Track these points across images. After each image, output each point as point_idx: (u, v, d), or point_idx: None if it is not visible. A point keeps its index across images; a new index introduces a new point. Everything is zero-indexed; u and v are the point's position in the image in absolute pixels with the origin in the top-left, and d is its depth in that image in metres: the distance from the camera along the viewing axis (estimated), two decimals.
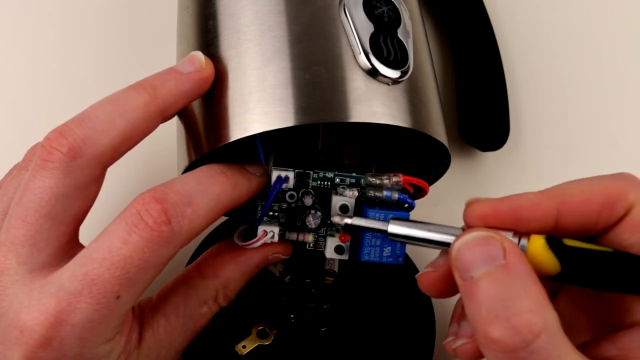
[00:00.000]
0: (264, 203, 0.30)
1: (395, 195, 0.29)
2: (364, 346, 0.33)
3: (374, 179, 0.29)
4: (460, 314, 0.25)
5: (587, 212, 0.23)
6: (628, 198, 0.23)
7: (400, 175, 0.29)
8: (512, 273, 0.21)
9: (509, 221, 0.23)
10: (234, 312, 0.31)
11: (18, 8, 0.45)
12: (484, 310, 0.21)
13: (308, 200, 0.30)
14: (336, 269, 0.33)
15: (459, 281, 0.22)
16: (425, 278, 0.25)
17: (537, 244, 0.22)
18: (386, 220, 0.26)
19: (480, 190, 0.43)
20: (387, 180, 0.29)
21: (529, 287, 0.21)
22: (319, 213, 0.30)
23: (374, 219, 0.28)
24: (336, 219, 0.28)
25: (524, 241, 0.23)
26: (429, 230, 0.25)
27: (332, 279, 0.33)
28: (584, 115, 0.45)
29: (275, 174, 0.29)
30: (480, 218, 0.24)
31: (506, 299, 0.20)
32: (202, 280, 0.29)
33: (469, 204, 0.24)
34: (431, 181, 0.33)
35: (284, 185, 0.30)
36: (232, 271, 0.30)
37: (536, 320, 0.20)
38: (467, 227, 0.24)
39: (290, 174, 0.30)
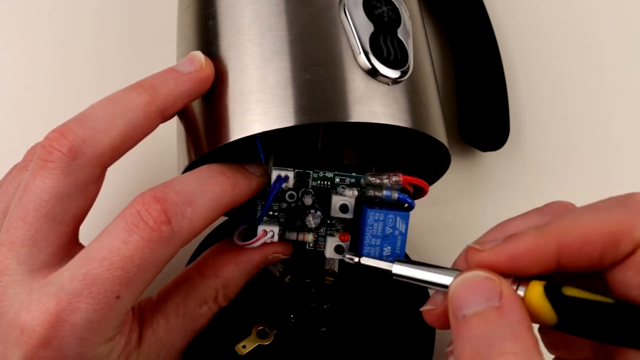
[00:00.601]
0: (263, 203, 0.30)
1: (395, 195, 0.29)
2: (364, 346, 0.33)
3: (373, 179, 0.29)
4: None
5: (589, 253, 0.22)
6: (633, 236, 0.21)
7: (400, 174, 0.29)
8: (505, 316, 0.21)
9: (508, 269, 0.22)
10: (234, 312, 0.31)
11: (18, 8, 0.45)
12: (468, 347, 0.20)
13: (308, 200, 0.30)
14: (336, 269, 0.33)
15: (451, 320, 0.22)
16: (428, 314, 0.25)
17: (534, 293, 0.22)
18: (392, 262, 0.27)
19: (480, 190, 0.43)
20: (387, 180, 0.29)
21: (519, 332, 0.20)
22: (318, 213, 0.30)
23: (381, 259, 0.28)
24: (346, 259, 0.29)
25: (522, 288, 0.22)
26: (430, 272, 0.25)
27: (332, 279, 0.33)
28: (584, 115, 0.45)
29: (275, 174, 0.29)
30: (479, 267, 0.23)
31: (492, 338, 0.20)
32: (202, 280, 0.29)
33: (468, 251, 0.24)
34: (431, 181, 0.33)
35: (283, 185, 0.30)
36: (232, 271, 0.30)
37: None
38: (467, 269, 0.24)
39: (290, 174, 0.30)
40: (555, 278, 0.23)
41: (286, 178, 0.29)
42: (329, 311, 0.33)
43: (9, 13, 0.45)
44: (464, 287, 0.22)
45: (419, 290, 0.34)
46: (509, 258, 0.22)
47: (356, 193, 0.30)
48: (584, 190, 0.43)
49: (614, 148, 0.44)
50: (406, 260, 0.26)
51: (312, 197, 0.30)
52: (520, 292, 0.22)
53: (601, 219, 0.22)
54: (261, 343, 0.32)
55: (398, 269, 0.26)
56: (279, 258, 0.31)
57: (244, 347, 0.32)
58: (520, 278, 0.22)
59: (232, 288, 0.30)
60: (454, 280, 0.23)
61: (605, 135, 0.45)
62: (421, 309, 0.25)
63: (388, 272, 0.26)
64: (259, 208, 0.30)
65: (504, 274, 0.22)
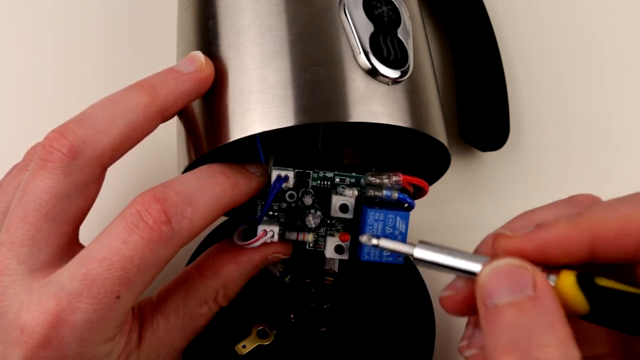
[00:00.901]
0: (263, 203, 0.30)
1: (395, 195, 0.29)
2: (364, 346, 0.33)
3: (373, 178, 0.29)
4: (476, 319, 0.25)
5: (625, 244, 0.21)
6: None
7: (400, 174, 0.29)
8: (540, 306, 0.20)
9: (539, 258, 0.22)
10: (234, 312, 0.31)
11: (18, 8, 0.45)
12: (503, 339, 0.20)
13: (308, 200, 0.30)
14: (336, 269, 0.33)
15: (480, 308, 0.21)
16: (447, 300, 0.24)
17: (567, 282, 0.21)
18: (413, 244, 0.25)
19: (480, 190, 0.43)
20: (387, 180, 0.29)
21: (555, 322, 0.20)
22: (318, 212, 0.30)
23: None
24: (364, 239, 0.28)
25: (553, 276, 0.22)
26: (456, 257, 0.23)
27: (332, 279, 0.33)
28: (584, 115, 0.45)
29: (275, 174, 0.29)
30: (508, 254, 0.22)
31: (530, 330, 0.20)
32: (202, 280, 0.29)
33: (497, 237, 0.23)
34: (431, 181, 0.33)
35: (283, 185, 0.30)
36: (232, 271, 0.30)
37: (557, 357, 0.19)
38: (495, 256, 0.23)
39: (290, 174, 0.30)
40: (581, 270, 0.22)
41: (286, 178, 0.29)
42: (329, 311, 0.33)
43: (9, 13, 0.45)
44: (496, 274, 0.21)
45: (419, 290, 0.34)
46: (540, 246, 0.22)
47: (356, 193, 0.30)
48: (584, 190, 0.43)
49: (614, 148, 0.44)
50: (429, 242, 0.24)
51: (312, 197, 0.30)
52: (551, 282, 0.21)
53: (638, 211, 0.21)
54: (261, 343, 0.32)
55: (420, 252, 0.24)
56: (279, 258, 0.31)
57: (244, 347, 0.32)
58: (550, 267, 0.22)
59: (232, 288, 0.30)
60: (483, 267, 0.22)
61: (605, 135, 0.45)
62: (440, 295, 0.24)
63: (409, 256, 0.25)
64: (259, 208, 0.30)
65: (533, 262, 0.22)
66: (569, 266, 0.22)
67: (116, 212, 0.25)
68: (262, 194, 0.30)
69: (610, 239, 0.21)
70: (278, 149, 0.31)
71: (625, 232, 0.21)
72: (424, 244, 0.24)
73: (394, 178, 0.29)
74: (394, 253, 0.27)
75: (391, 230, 0.29)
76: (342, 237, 0.30)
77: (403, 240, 0.29)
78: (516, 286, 0.21)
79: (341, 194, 0.30)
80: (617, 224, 0.21)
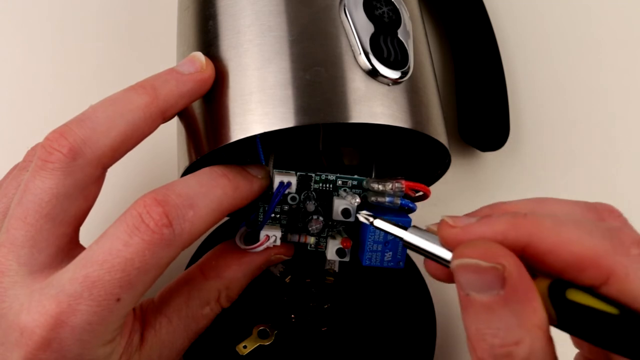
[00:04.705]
0: (265, 206, 0.30)
1: (398, 201, 0.29)
2: (365, 346, 0.33)
3: (375, 185, 0.29)
4: None
5: (550, 262, 0.21)
6: (602, 269, 0.20)
7: (403, 181, 0.29)
8: (509, 306, 0.20)
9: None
10: (235, 312, 0.31)
11: (18, 8, 0.45)
12: (473, 327, 0.20)
13: (310, 207, 0.30)
14: (337, 269, 0.33)
15: (458, 290, 0.21)
16: (431, 265, 0.24)
17: (539, 290, 0.21)
18: (406, 228, 0.25)
19: (480, 190, 0.43)
20: (390, 187, 0.29)
21: (524, 320, 0.20)
22: (321, 218, 0.30)
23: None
24: (361, 218, 0.27)
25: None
26: (435, 244, 0.24)
27: (333, 279, 0.33)
28: (583, 116, 0.45)
29: (277, 179, 0.29)
30: (446, 242, 0.23)
31: (498, 327, 0.20)
32: (205, 281, 0.29)
33: (441, 223, 0.23)
34: (431, 181, 0.33)
35: (286, 191, 0.29)
36: (235, 272, 0.30)
37: (524, 353, 0.19)
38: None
39: (293, 180, 0.29)
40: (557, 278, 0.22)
41: (289, 184, 0.29)
42: (330, 311, 0.33)
43: (9, 13, 0.45)
44: (464, 269, 0.21)
45: (420, 290, 0.34)
46: (474, 240, 0.22)
47: (358, 200, 0.29)
48: (584, 190, 0.43)
49: (614, 148, 0.44)
50: (420, 229, 0.25)
51: (314, 203, 0.30)
52: None
53: (579, 239, 0.21)
54: (262, 343, 0.32)
55: (409, 237, 0.24)
56: (281, 259, 0.31)
57: (244, 347, 0.32)
58: (532, 272, 0.21)
59: (234, 289, 0.30)
60: (453, 257, 0.22)
61: (605, 135, 0.45)
62: (425, 259, 0.24)
63: (399, 239, 0.25)
64: (261, 210, 0.30)
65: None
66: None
67: (116, 213, 0.25)
68: (264, 196, 0.30)
69: (540, 252, 0.21)
70: (278, 150, 0.31)
71: (556, 253, 0.21)
72: (415, 228, 0.25)
73: (397, 185, 0.29)
74: (386, 234, 0.27)
75: (392, 237, 0.29)
76: (344, 244, 0.30)
77: (404, 249, 0.29)
78: (484, 284, 0.20)
79: (343, 199, 0.30)
80: (554, 242, 0.21)
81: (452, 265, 0.22)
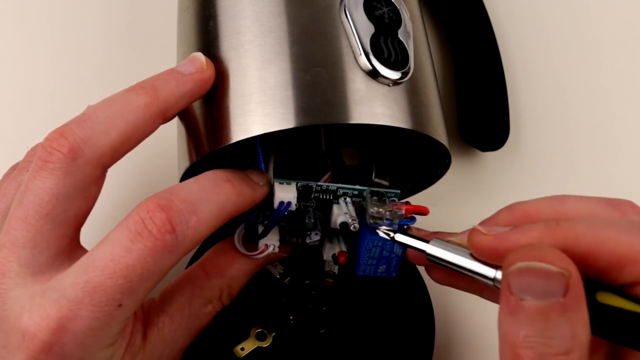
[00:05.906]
0: (267, 213, 0.30)
1: (396, 222, 0.29)
2: (364, 348, 0.33)
3: (375, 209, 0.29)
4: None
5: (591, 266, 0.21)
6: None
7: (404, 207, 0.29)
8: (566, 314, 0.19)
9: (505, 257, 0.21)
10: (233, 313, 0.31)
11: (18, 8, 0.45)
12: (522, 333, 0.19)
13: (309, 224, 0.30)
14: (336, 271, 0.33)
15: (504, 291, 0.20)
16: (436, 273, 0.24)
17: None
18: (426, 241, 0.25)
19: (480, 190, 0.43)
20: (390, 213, 0.29)
21: (578, 334, 0.19)
22: (319, 233, 0.30)
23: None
24: (381, 234, 0.27)
25: None
26: (470, 259, 0.23)
27: (332, 281, 0.33)
28: (583, 115, 0.45)
29: (277, 198, 0.28)
30: (480, 251, 0.23)
31: (551, 336, 0.19)
32: (208, 279, 0.29)
33: (472, 232, 0.23)
34: (431, 181, 0.33)
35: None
36: (237, 270, 0.30)
37: None
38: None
39: (293, 194, 0.29)
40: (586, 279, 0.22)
41: (289, 205, 0.28)
42: (328, 313, 0.33)
43: (9, 13, 0.45)
44: (526, 273, 0.20)
45: (419, 292, 0.34)
46: (511, 248, 0.21)
47: (356, 219, 0.29)
48: (584, 190, 0.43)
49: (614, 147, 0.44)
50: (442, 240, 0.24)
51: (312, 219, 0.30)
52: None
53: (615, 239, 0.21)
54: (260, 345, 0.32)
55: (433, 250, 0.24)
56: (280, 256, 0.32)
57: (242, 349, 0.32)
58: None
59: (235, 287, 0.30)
60: (509, 261, 0.20)
61: (605, 134, 0.45)
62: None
63: (422, 252, 0.25)
64: (261, 216, 0.30)
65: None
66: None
67: (117, 213, 0.25)
68: (264, 202, 0.29)
69: (579, 255, 0.21)
70: (279, 150, 0.31)
71: (595, 255, 0.21)
72: (437, 240, 0.24)
73: (398, 213, 0.29)
74: (407, 247, 0.26)
75: (388, 254, 0.29)
76: (340, 257, 0.30)
77: (398, 262, 0.30)
78: (547, 289, 0.19)
79: (343, 212, 0.29)
80: (591, 244, 0.21)
81: (512, 268, 0.20)
